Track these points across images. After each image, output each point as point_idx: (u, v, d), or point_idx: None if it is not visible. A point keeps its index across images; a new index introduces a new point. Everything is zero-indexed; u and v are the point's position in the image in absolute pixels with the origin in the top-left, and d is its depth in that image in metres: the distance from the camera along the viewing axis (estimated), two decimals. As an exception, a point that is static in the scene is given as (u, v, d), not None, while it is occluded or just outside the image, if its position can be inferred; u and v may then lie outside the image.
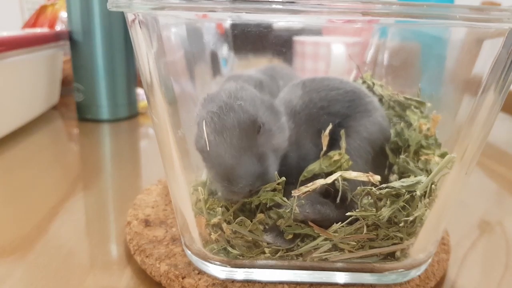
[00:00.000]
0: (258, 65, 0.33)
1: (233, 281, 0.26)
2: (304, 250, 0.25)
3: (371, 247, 0.25)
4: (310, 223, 0.25)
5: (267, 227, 0.25)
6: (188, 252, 0.28)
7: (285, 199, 0.24)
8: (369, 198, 0.25)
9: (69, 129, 0.65)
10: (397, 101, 0.32)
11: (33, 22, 0.79)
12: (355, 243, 0.25)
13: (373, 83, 0.33)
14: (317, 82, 0.30)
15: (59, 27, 0.76)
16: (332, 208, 0.25)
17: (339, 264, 0.26)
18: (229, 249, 0.26)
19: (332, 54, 0.42)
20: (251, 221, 0.25)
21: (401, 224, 0.25)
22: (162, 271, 0.27)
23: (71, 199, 0.40)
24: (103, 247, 0.32)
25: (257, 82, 0.28)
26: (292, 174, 0.26)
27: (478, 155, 0.25)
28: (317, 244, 0.25)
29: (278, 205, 0.25)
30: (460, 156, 0.25)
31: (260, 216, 0.25)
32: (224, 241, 0.26)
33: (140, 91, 0.71)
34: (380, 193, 0.24)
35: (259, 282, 0.26)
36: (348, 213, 0.24)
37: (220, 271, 0.26)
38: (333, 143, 0.27)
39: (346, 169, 0.26)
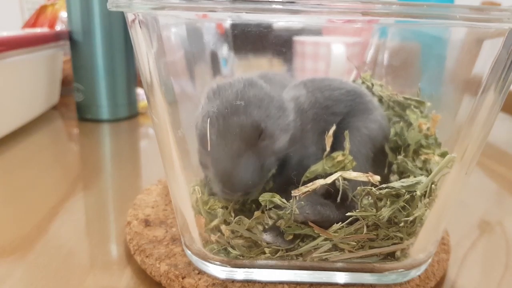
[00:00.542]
0: (258, 65, 0.33)
1: (233, 281, 0.26)
2: (304, 250, 0.25)
3: (371, 247, 0.25)
4: (311, 224, 0.25)
5: (266, 227, 0.25)
6: (188, 252, 0.28)
7: (284, 200, 0.24)
8: (369, 198, 0.25)
9: (69, 129, 0.65)
10: (397, 101, 0.32)
11: (33, 22, 0.79)
12: (355, 243, 0.25)
13: (372, 84, 0.33)
14: (317, 82, 0.30)
15: (59, 27, 0.76)
16: (333, 209, 0.25)
17: (339, 264, 0.26)
18: (229, 249, 0.26)
19: (332, 54, 0.42)
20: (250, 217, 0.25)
21: (401, 224, 0.25)
22: (162, 271, 0.27)
23: (71, 199, 0.40)
24: (103, 247, 0.32)
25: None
26: (295, 174, 0.26)
27: (478, 155, 0.25)
28: (317, 244, 0.25)
29: (278, 206, 0.25)
30: (460, 156, 0.25)
31: (257, 214, 0.25)
32: (224, 242, 0.26)
33: (140, 91, 0.71)
34: (380, 193, 0.24)
35: (259, 282, 0.26)
36: (348, 213, 0.24)
37: (220, 271, 0.26)
38: (334, 142, 0.27)
39: (349, 170, 0.26)
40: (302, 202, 0.24)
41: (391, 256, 0.26)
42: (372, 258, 0.26)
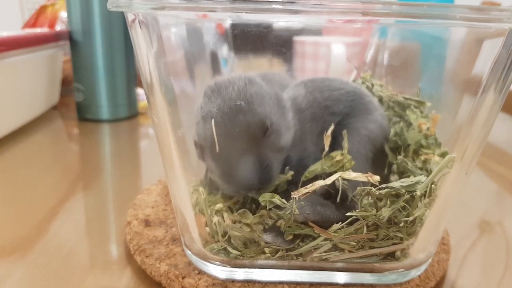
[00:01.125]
0: (258, 65, 0.33)
1: (233, 281, 0.26)
2: (304, 250, 0.25)
3: (371, 247, 0.25)
4: (311, 224, 0.25)
5: (267, 226, 0.25)
6: (188, 252, 0.28)
7: (284, 201, 0.24)
8: (369, 198, 0.25)
9: (69, 129, 0.65)
10: (397, 101, 0.32)
11: (33, 22, 0.79)
12: (355, 243, 0.25)
13: (372, 84, 0.33)
14: (318, 82, 0.30)
15: (59, 27, 0.76)
16: (333, 209, 0.25)
17: (339, 264, 0.26)
18: (229, 249, 0.26)
19: (332, 54, 0.42)
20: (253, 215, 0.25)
21: (401, 224, 0.25)
22: (162, 271, 0.27)
23: (71, 199, 0.40)
24: (103, 247, 0.32)
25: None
26: (295, 175, 0.26)
27: (478, 155, 0.25)
28: (317, 244, 0.25)
29: (278, 206, 0.25)
30: (460, 156, 0.25)
31: (263, 212, 0.25)
32: (221, 233, 0.26)
33: (140, 91, 0.71)
34: (380, 193, 0.24)
35: (259, 282, 0.26)
36: (348, 214, 0.24)
37: (220, 271, 0.26)
38: (333, 142, 0.27)
39: (348, 169, 0.26)
40: (302, 202, 0.24)
41: (391, 256, 0.26)
42: (372, 258, 0.26)
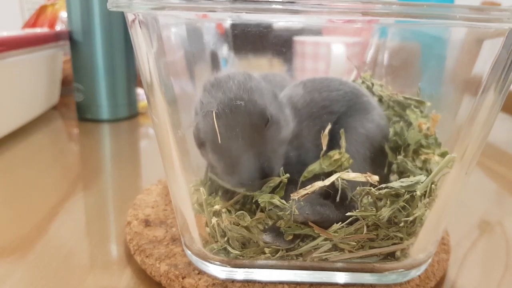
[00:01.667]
0: (258, 65, 0.33)
1: (233, 281, 0.26)
2: (304, 250, 0.25)
3: (371, 247, 0.25)
4: (311, 224, 0.25)
5: (266, 226, 0.25)
6: (188, 252, 0.28)
7: (283, 201, 0.24)
8: (369, 198, 0.25)
9: (69, 129, 0.65)
10: (397, 101, 0.32)
11: (33, 22, 0.79)
12: (355, 243, 0.25)
13: (372, 84, 0.33)
14: (317, 82, 0.30)
15: (59, 27, 0.76)
16: (332, 209, 0.25)
17: (339, 264, 0.26)
18: (229, 249, 0.26)
19: (332, 54, 0.42)
20: (251, 218, 0.25)
21: (401, 224, 0.25)
22: (162, 271, 0.27)
23: (71, 199, 0.40)
24: (103, 247, 0.32)
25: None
26: (292, 174, 0.26)
27: (478, 155, 0.25)
28: (317, 244, 0.25)
29: (278, 206, 0.25)
30: (460, 156, 0.25)
31: (260, 215, 0.25)
32: (221, 233, 0.26)
33: (140, 91, 0.71)
34: (380, 193, 0.24)
35: (259, 282, 0.26)
36: (348, 213, 0.24)
37: (220, 271, 0.26)
38: (332, 142, 0.27)
39: (347, 168, 0.26)
40: (302, 203, 0.24)
41: (391, 256, 0.26)
42: (372, 258, 0.26)
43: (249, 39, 0.28)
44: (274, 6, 0.20)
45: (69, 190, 0.42)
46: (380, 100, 0.32)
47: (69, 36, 0.64)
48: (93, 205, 0.39)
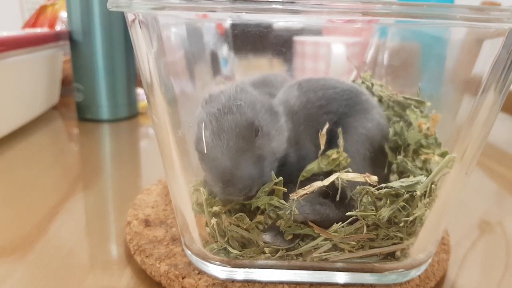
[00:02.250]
0: (258, 65, 0.33)
1: (233, 281, 0.26)
2: (304, 250, 0.25)
3: (371, 247, 0.25)
4: (310, 223, 0.25)
5: (266, 226, 0.25)
6: (188, 252, 0.28)
7: (283, 201, 0.24)
8: (368, 197, 0.25)
9: (69, 129, 0.65)
10: (397, 101, 0.32)
11: (33, 22, 0.79)
12: (355, 243, 0.25)
13: (372, 84, 0.33)
14: (313, 82, 0.30)
15: (59, 27, 0.76)
16: (332, 208, 0.25)
17: (339, 264, 0.26)
18: (229, 249, 0.26)
19: (332, 54, 0.42)
20: (250, 220, 0.25)
21: (401, 224, 0.25)
22: (162, 271, 0.27)
23: (71, 199, 0.40)
24: (103, 247, 0.32)
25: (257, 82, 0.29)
26: (292, 174, 0.26)
27: (478, 155, 0.25)
28: (317, 244, 0.25)
29: (278, 206, 0.25)
30: (460, 156, 0.25)
31: (259, 218, 0.25)
32: (221, 233, 0.26)
33: (140, 91, 0.71)
34: (379, 193, 0.24)
35: (259, 282, 0.26)
36: (348, 213, 0.24)
37: (220, 271, 0.26)
38: (331, 142, 0.27)
39: (345, 167, 0.26)
40: (301, 202, 0.24)
41: (391, 256, 0.26)
42: (372, 258, 0.26)
43: (249, 39, 0.28)
44: (274, 6, 0.20)
45: (69, 190, 0.42)
46: (380, 100, 0.32)
47: (69, 36, 0.64)
48: (93, 205, 0.39)
